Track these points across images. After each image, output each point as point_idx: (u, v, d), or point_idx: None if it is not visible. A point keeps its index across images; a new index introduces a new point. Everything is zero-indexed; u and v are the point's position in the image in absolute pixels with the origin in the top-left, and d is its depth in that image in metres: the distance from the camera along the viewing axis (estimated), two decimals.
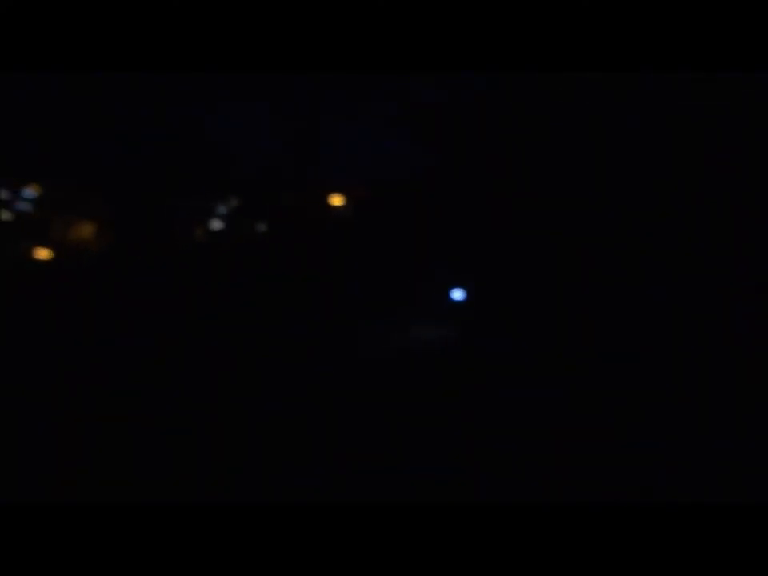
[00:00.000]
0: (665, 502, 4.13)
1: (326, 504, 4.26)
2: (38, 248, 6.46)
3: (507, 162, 6.63)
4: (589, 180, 6.31)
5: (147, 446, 5.28)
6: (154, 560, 3.82)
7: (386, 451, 5.01)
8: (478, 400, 5.44)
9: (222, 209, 6.68)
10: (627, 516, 4.03)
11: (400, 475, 4.90)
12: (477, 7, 4.91)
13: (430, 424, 5.37)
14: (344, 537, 3.98)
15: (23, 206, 6.44)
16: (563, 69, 5.02)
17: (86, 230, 6.50)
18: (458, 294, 6.14)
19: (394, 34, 4.98)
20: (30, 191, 6.49)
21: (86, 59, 4.76)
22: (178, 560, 3.83)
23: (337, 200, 6.81)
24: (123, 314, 6.33)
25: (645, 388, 5.23)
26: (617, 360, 5.46)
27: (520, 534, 4.03)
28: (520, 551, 3.94)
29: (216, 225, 6.65)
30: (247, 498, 4.33)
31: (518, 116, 6.62)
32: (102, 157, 6.41)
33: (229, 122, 6.58)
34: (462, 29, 4.95)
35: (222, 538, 3.94)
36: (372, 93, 6.60)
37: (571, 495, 4.21)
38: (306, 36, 4.99)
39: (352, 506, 4.22)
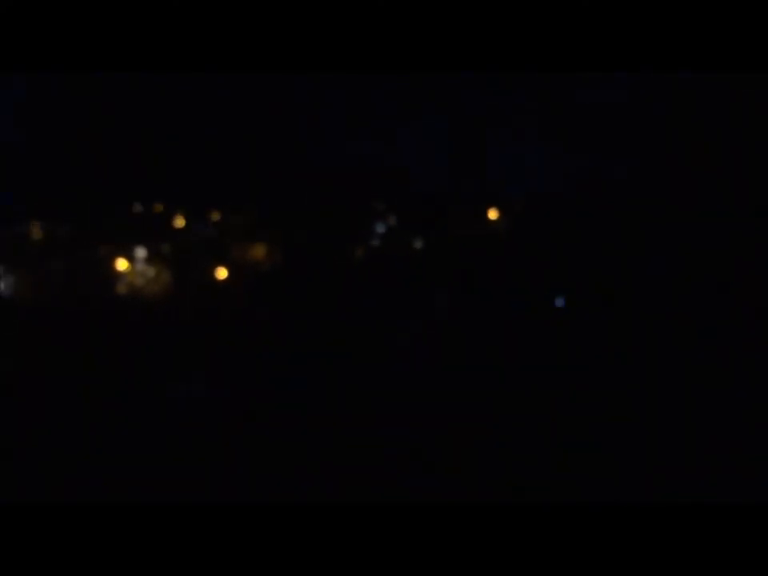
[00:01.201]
0: (665, 502, 3.95)
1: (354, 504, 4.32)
2: (219, 268, 7.17)
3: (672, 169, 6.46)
4: None
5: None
6: (154, 560, 3.85)
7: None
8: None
9: (381, 226, 7.03)
10: (627, 516, 3.91)
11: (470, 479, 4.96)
12: None
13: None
14: (346, 537, 4.05)
15: (207, 232, 7.20)
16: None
17: (259, 252, 7.13)
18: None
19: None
20: (212, 217, 7.23)
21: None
22: (178, 560, 3.86)
23: (493, 213, 6.94)
24: (290, 328, 6.84)
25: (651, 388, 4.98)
26: (618, 360, 5.22)
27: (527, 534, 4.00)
28: (520, 551, 3.92)
29: (375, 243, 7.02)
30: (255, 499, 4.43)
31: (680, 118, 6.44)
32: (266, 181, 7.03)
33: (383, 138, 6.96)
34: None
35: (222, 538, 3.97)
36: (528, 100, 6.70)
37: (571, 495, 4.13)
38: (464, 47, 5.19)
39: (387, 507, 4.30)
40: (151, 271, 7.24)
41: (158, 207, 7.31)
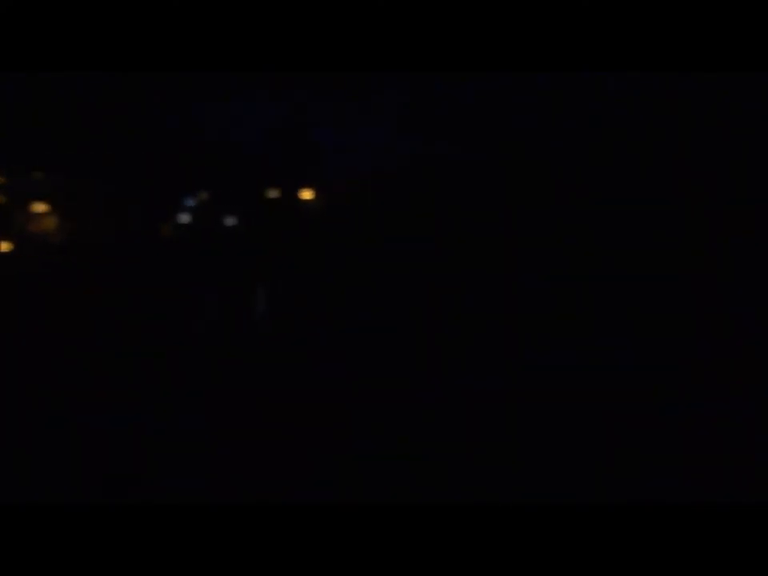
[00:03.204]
0: (663, 502, 4.02)
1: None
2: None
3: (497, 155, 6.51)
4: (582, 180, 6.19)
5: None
6: (154, 560, 3.76)
7: None
8: None
9: (190, 201, 6.59)
10: (627, 516, 3.91)
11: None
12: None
13: None
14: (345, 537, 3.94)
15: None
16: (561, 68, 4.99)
17: (48, 223, 6.45)
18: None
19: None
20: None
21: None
22: (178, 560, 3.77)
23: (307, 194, 6.71)
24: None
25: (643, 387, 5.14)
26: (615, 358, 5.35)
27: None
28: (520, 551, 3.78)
29: (184, 218, 6.56)
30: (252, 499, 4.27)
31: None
32: (75, 150, 6.39)
33: (204, 113, 6.54)
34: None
35: (222, 538, 3.87)
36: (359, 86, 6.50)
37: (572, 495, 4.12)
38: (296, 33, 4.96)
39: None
40: None
41: None
